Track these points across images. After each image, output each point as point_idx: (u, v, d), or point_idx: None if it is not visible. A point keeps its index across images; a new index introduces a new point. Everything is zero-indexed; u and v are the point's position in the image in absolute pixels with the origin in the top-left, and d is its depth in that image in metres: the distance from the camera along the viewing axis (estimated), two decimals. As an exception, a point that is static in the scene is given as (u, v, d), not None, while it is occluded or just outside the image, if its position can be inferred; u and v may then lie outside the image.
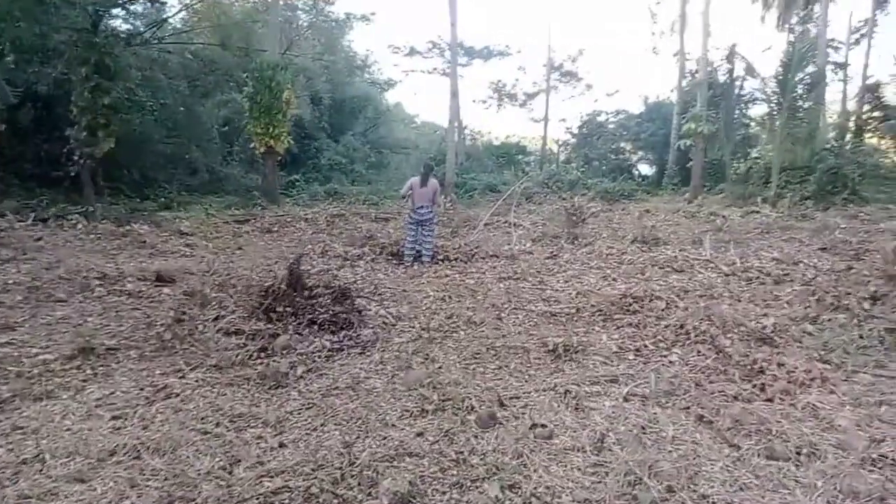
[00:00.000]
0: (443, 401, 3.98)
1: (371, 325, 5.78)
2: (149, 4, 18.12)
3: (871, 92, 22.76)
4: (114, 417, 3.77)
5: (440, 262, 9.27)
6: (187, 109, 19.56)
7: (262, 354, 4.87)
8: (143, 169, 17.67)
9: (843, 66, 26.64)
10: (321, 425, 3.71)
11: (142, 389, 4.20)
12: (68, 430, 3.59)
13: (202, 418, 3.77)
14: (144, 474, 3.11)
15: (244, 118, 18.62)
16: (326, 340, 5.22)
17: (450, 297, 7.12)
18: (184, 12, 22.37)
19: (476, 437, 3.54)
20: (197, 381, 4.37)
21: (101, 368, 4.56)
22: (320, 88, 25.40)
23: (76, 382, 4.28)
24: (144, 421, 3.73)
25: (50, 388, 4.13)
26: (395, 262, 9.42)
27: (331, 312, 5.66)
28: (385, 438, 3.52)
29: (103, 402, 3.99)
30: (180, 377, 4.43)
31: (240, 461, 3.25)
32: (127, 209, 13.74)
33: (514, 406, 3.99)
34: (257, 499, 2.90)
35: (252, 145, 17.37)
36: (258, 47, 19.97)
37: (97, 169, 13.38)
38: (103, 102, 12.55)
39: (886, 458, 3.16)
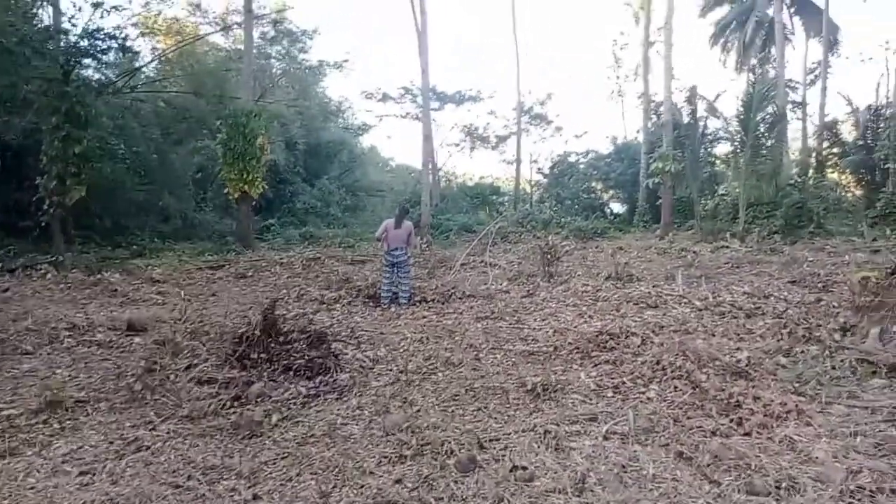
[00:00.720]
0: (421, 445, 3.92)
1: (348, 370, 5.70)
2: (121, 54, 18.20)
3: (830, 129, 23.60)
4: (81, 473, 3.64)
5: (417, 304, 9.23)
6: (160, 157, 19.53)
7: (236, 403, 4.76)
8: (114, 216, 17.49)
9: (801, 105, 27.69)
10: (297, 475, 3.62)
11: (111, 443, 4.07)
12: (32, 488, 3.46)
13: (174, 471, 3.66)
14: (113, 533, 2.99)
15: (218, 164, 18.66)
16: (302, 387, 5.14)
17: (427, 339, 7.07)
18: (157, 61, 22.52)
19: (456, 481, 3.48)
20: (168, 432, 4.25)
21: (68, 422, 4.42)
22: (295, 134, 25.61)
23: (42, 437, 4.14)
24: (114, 476, 3.61)
25: (14, 445, 3.99)
26: (371, 304, 9.37)
27: (306, 358, 5.58)
28: (363, 487, 3.44)
29: (71, 458, 3.85)
30: (151, 429, 4.31)
31: (213, 515, 3.16)
32: (98, 257, 13.53)
33: (494, 448, 3.94)
34: (231, 554, 2.80)
35: (226, 191, 17.34)
36: (232, 94, 20.13)
37: (67, 217, 13.21)
38: (74, 151, 12.44)
39: (864, 489, 3.17)
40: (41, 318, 7.57)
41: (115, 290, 10.16)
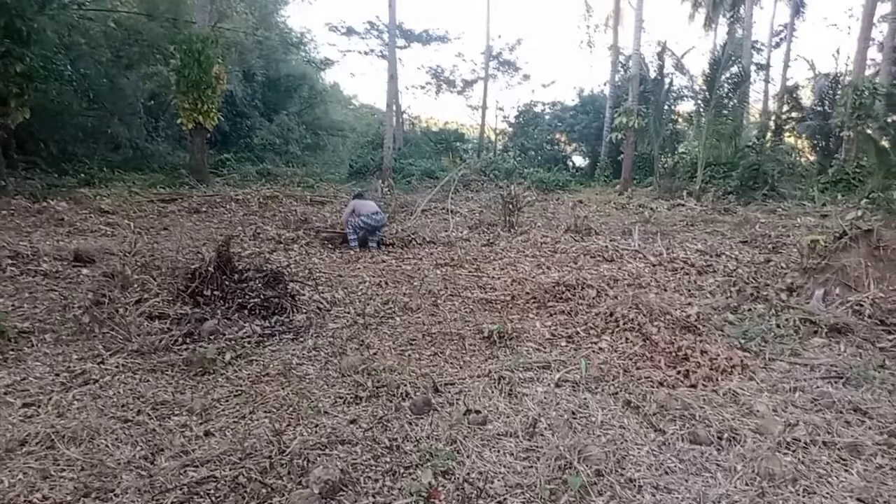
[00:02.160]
0: (377, 387, 3.95)
1: (304, 311, 5.66)
2: (68, -33, 16.98)
3: (790, 93, 23.96)
4: (25, 405, 3.55)
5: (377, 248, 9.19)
6: (110, 81, 18.52)
7: (188, 340, 4.69)
8: (60, 142, 16.63)
9: (765, 67, 27.94)
10: (250, 413, 3.61)
11: (57, 375, 3.97)
12: (-27, 419, 3.35)
13: (122, 406, 3.60)
14: (59, 464, 2.94)
15: (171, 93, 17.83)
16: (257, 325, 5.08)
17: (386, 283, 7.06)
18: (107, -23, 21.11)
19: (410, 423, 3.52)
20: (117, 366, 4.16)
21: (11, 353, 4.29)
22: (253, 64, 24.59)
23: (-17, 368, 4.00)
24: (59, 408, 3.53)
25: (-48, 374, 3.84)
26: (330, 246, 9.26)
27: (262, 297, 5.51)
28: (317, 426, 3.45)
29: (14, 389, 3.75)
30: (99, 363, 4.21)
31: (163, 450, 3.13)
32: (43, 185, 12.89)
33: (449, 392, 3.99)
34: (181, 489, 2.79)
35: (179, 121, 16.61)
36: (187, 19, 19.08)
37: (10, 141, 12.52)
38: (15, 70, 11.64)
39: (799, 441, 3.33)
40: (-19, 244, 7.24)
41: (62, 219, 9.76)
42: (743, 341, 5.03)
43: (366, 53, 30.98)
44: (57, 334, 4.70)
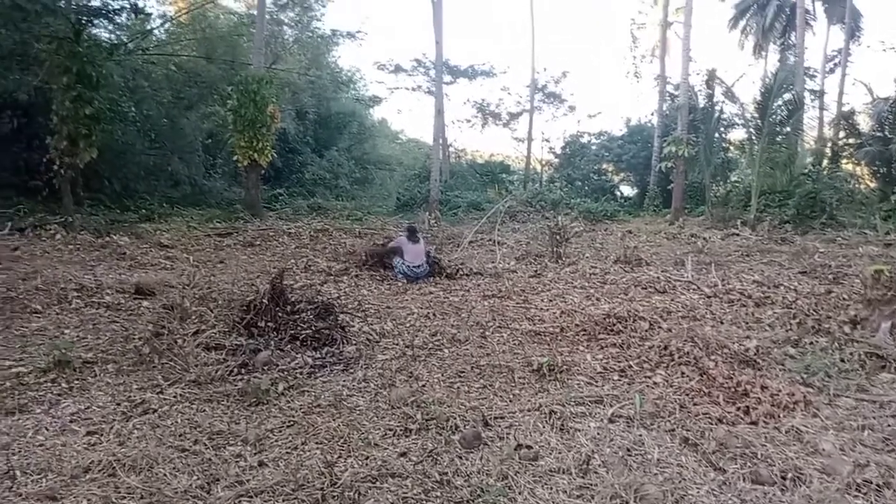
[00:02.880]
0: (427, 420, 3.93)
1: (354, 342, 5.72)
2: (133, 15, 18.00)
3: (847, 119, 23.18)
4: (89, 433, 3.67)
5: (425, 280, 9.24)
6: (170, 121, 19.42)
7: (243, 370, 4.79)
8: (124, 180, 17.45)
9: (819, 93, 27.26)
10: (302, 444, 3.64)
11: (118, 404, 4.10)
12: (41, 445, 3.49)
13: (180, 435, 3.68)
14: (119, 492, 3.02)
15: (228, 131, 18.54)
16: (308, 357, 5.15)
17: (434, 315, 7.08)
18: (168, 24, 22.29)
19: (460, 457, 3.49)
20: (175, 396, 4.27)
21: (76, 382, 4.45)
22: (305, 103, 25.40)
23: (51, 396, 4.17)
24: (120, 437, 3.64)
25: (23, 402, 4.02)
26: (378, 278, 9.37)
27: (313, 328, 5.59)
28: (367, 458, 3.46)
29: (78, 417, 3.88)
30: (158, 392, 4.33)
31: (218, 480, 3.18)
32: (107, 220, 13.51)
33: (499, 426, 3.95)
34: (236, 520, 2.82)
35: (235, 158, 17.23)
36: (243, 61, 19.92)
37: (77, 179, 13.16)
38: (85, 112, 12.34)
39: (870, 483, 3.16)
40: (50, 278, 7.59)
41: (124, 253, 10.18)
42: (805, 376, 4.83)
43: (413, 90, 31.61)
44: (118, 364, 4.87)
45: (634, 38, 33.76)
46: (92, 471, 3.20)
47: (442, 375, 4.95)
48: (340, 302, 7.31)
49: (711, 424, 3.95)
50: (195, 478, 3.19)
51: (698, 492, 3.15)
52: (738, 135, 23.32)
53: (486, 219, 15.21)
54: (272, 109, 16.75)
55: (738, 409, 4.15)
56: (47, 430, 3.69)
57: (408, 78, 31.19)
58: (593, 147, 29.15)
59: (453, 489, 3.14)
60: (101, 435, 3.66)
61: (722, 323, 6.61)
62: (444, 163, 26.47)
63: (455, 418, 3.94)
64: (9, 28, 12.94)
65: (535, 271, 10.03)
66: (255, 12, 19.47)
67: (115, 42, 17.26)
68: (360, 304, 7.43)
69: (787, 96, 18.29)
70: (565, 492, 3.14)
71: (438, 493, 3.10)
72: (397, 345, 5.80)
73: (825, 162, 21.28)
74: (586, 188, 26.91)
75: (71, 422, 3.81)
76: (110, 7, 16.60)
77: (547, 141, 31.42)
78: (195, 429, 3.78)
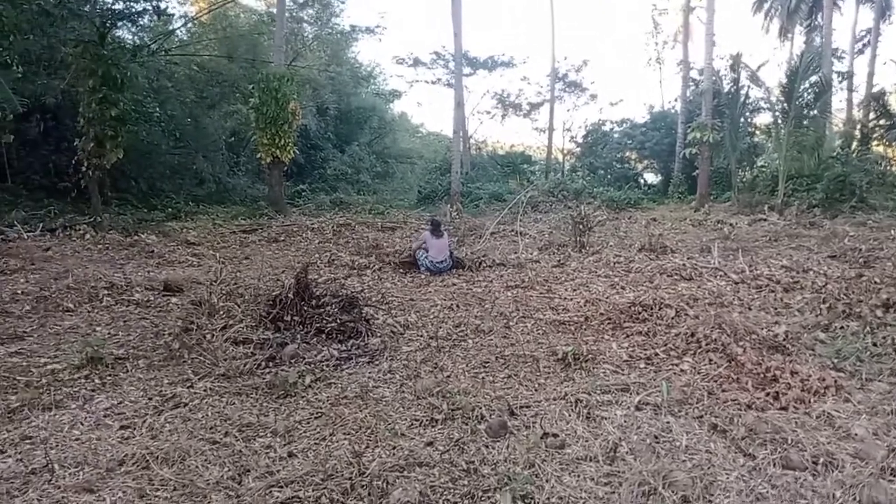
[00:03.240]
0: (452, 410, 3.95)
1: (379, 334, 5.75)
2: (155, 17, 18.24)
3: (877, 100, 22.62)
4: (122, 427, 3.75)
5: (448, 271, 9.26)
6: (194, 120, 19.69)
7: (271, 363, 4.85)
8: (150, 179, 17.77)
9: (847, 75, 26.61)
10: (330, 434, 3.68)
11: (150, 399, 4.19)
12: (77, 439, 3.57)
13: (211, 428, 3.75)
14: (153, 484, 3.08)
15: (250, 129, 18.74)
16: (334, 349, 5.20)
17: (457, 306, 7.09)
18: (190, 24, 22.55)
19: (487, 446, 3.50)
20: (205, 390, 4.35)
21: (109, 378, 4.55)
22: (326, 99, 25.54)
23: (85, 392, 4.27)
24: (153, 430, 3.71)
25: (59, 398, 4.12)
26: (401, 271, 9.40)
27: (338, 321, 5.64)
28: (395, 448, 3.48)
29: (112, 412, 3.97)
30: (189, 386, 4.41)
31: (249, 471, 3.23)
32: (134, 219, 13.78)
33: (525, 415, 3.95)
34: (267, 509, 2.87)
35: (258, 156, 17.41)
36: (264, 59, 20.09)
37: (105, 180, 13.42)
38: (111, 114, 12.56)
39: (905, 467, 3.10)
40: (81, 276, 7.76)
41: (152, 251, 10.36)
42: (836, 361, 4.75)
43: (433, 83, 31.62)
44: (149, 360, 4.96)
45: (656, 24, 33.44)
46: (126, 464, 3.27)
47: (466, 366, 4.96)
48: (364, 295, 7.36)
49: (740, 410, 3.90)
50: (226, 469, 3.24)
51: (727, 477, 3.12)
52: (764, 119, 22.96)
53: (508, 210, 15.16)
54: (293, 106, 16.87)
55: (768, 394, 4.09)
56: (82, 424, 3.78)
57: (427, 71, 31.23)
58: (616, 135, 28.82)
59: (480, 477, 3.15)
60: (135, 429, 3.74)
61: (750, 309, 6.51)
62: (465, 155, 26.41)
63: (480, 408, 3.95)
64: (36, 33, 13.20)
65: (559, 261, 9.98)
66: (275, 10, 19.62)
67: (139, 44, 17.53)
68: (384, 297, 7.47)
69: (813, 78, 17.89)
70: (592, 479, 3.13)
71: (465, 482, 3.11)
72: (421, 336, 5.82)
73: (854, 144, 20.79)
74: (609, 176, 26.64)
75: (105, 416, 3.90)
76: (133, 9, 16.85)
77: (568, 130, 31.21)
78: (225, 421, 3.84)
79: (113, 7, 16.14)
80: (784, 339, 5.18)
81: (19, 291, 6.99)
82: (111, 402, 4.13)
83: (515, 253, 10.86)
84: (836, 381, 4.23)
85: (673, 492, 2.93)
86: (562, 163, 31.00)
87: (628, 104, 68.58)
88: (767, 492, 2.98)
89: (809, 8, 27.01)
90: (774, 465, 3.22)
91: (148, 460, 3.29)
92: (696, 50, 26.02)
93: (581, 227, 11.32)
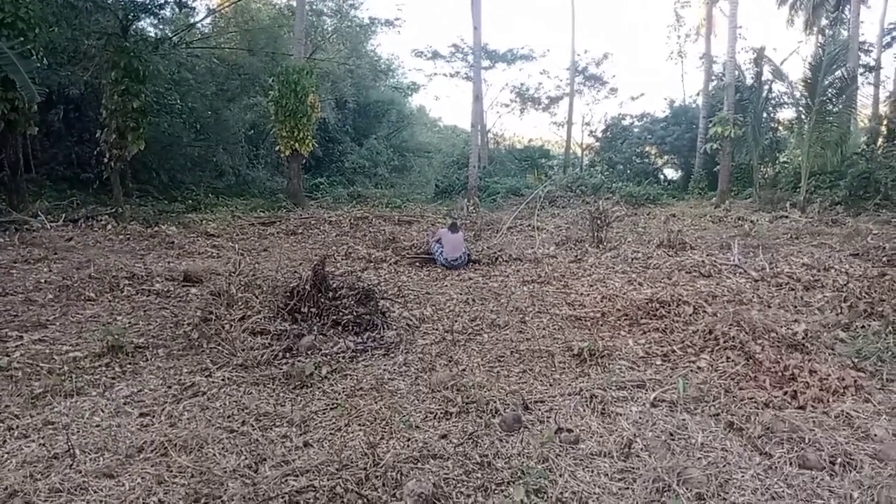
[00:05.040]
0: (467, 403, 3.96)
1: (395, 327, 5.78)
2: (177, 9, 18.42)
3: (905, 95, 22.21)
4: (142, 414, 3.81)
5: (464, 266, 9.26)
6: (214, 113, 19.87)
7: (288, 354, 4.89)
8: (171, 171, 17.99)
9: (874, 68, 26.10)
10: (345, 425, 3.71)
11: (169, 387, 4.25)
12: (98, 426, 3.64)
13: (228, 416, 3.80)
14: (171, 471, 3.13)
15: (270, 122, 18.88)
16: (350, 341, 5.24)
17: (473, 300, 7.09)
18: (211, 17, 22.71)
19: (501, 440, 3.51)
20: (223, 379, 4.41)
21: (129, 366, 4.63)
22: (345, 92, 25.62)
23: (105, 380, 4.34)
24: (172, 418, 3.77)
25: (80, 385, 4.20)
26: (417, 264, 9.42)
27: (355, 314, 5.67)
28: (409, 440, 3.51)
29: (132, 400, 4.04)
30: (207, 376, 4.47)
31: (265, 460, 3.27)
32: (155, 210, 13.97)
33: (539, 410, 3.95)
34: (282, 497, 2.90)
35: (277, 148, 17.56)
36: (284, 52, 20.19)
37: (126, 171, 13.61)
38: (132, 106, 12.73)
39: (926, 469, 3.06)
40: (102, 266, 7.87)
41: (172, 242, 10.49)
42: (856, 360, 4.68)
43: (451, 76, 31.51)
44: (169, 349, 5.04)
45: (678, 17, 32.94)
46: (145, 450, 3.32)
47: (482, 360, 4.97)
48: (380, 288, 7.39)
49: (757, 409, 3.87)
50: (243, 457, 3.28)
51: (743, 476, 3.10)
52: (787, 114, 22.58)
53: (526, 204, 15.11)
54: (312, 99, 16.96)
55: (786, 393, 4.06)
56: (103, 411, 3.84)
57: (446, 64, 31.15)
58: (635, 129, 28.55)
59: (494, 470, 3.16)
60: (154, 416, 3.80)
61: (769, 307, 6.44)
62: (483, 149, 26.34)
63: (495, 402, 3.96)
64: (61, 26, 13.40)
65: (576, 256, 9.93)
66: (296, 3, 19.68)
67: (161, 36, 17.69)
68: (400, 290, 7.50)
69: (838, 73, 17.56)
70: (606, 475, 3.13)
71: (479, 475, 3.13)
72: (437, 330, 5.84)
73: (880, 140, 20.39)
74: (628, 172, 26.43)
75: (125, 404, 3.97)
76: (156, 2, 17.03)
77: (587, 124, 30.98)
78: (243, 410, 3.89)
79: (136, 0, 16.32)
80: (803, 338, 5.12)
81: (42, 280, 7.12)
82: (131, 389, 4.20)
83: (532, 248, 10.82)
84: (855, 381, 4.17)
85: (687, 489, 2.92)
86: (580, 157, 30.82)
87: (649, 98, 67.93)
88: (783, 491, 2.96)
89: (836, 0, 26.49)
90: (791, 464, 3.19)
91: (166, 447, 3.34)
92: (719, 44, 25.65)
93: (599, 222, 11.25)
